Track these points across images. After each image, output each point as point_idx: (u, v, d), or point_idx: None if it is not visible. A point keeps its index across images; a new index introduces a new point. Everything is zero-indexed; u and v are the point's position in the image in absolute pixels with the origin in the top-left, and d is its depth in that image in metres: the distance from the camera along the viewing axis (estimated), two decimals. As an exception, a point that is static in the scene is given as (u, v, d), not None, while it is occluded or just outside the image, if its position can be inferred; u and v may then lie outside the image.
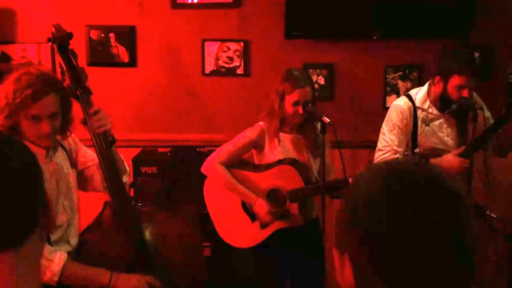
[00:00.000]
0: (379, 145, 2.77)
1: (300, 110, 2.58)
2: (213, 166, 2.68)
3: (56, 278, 1.95)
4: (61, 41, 2.09)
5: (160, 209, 2.50)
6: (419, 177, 0.81)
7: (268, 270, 2.74)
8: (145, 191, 3.30)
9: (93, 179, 2.27)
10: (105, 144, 2.08)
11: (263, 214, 2.61)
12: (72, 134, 2.23)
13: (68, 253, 2.10)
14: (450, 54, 2.74)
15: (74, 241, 2.16)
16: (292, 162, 2.62)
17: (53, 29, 2.09)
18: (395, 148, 2.70)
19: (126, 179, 2.31)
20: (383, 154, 2.72)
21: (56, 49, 2.10)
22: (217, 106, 3.80)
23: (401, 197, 0.79)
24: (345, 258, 0.84)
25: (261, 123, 2.71)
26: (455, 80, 2.61)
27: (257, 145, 2.71)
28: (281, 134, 2.68)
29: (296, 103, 2.58)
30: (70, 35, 2.10)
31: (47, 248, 1.97)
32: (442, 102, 2.73)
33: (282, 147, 2.67)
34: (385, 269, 0.79)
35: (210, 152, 3.50)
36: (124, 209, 2.12)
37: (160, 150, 3.62)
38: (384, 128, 2.78)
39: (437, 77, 2.70)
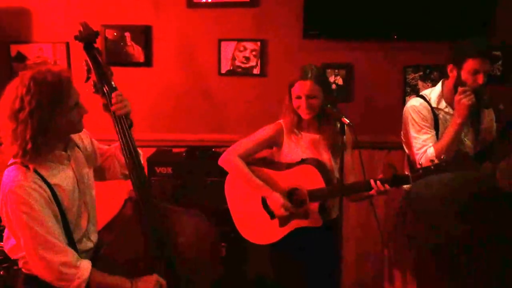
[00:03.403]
0: (417, 146, 2.66)
1: (303, 105, 2.53)
2: (230, 158, 2.67)
3: (83, 286, 1.96)
4: (88, 39, 2.15)
5: (179, 207, 2.49)
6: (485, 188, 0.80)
7: (284, 267, 2.71)
8: (159, 191, 3.27)
9: (112, 168, 2.30)
10: (126, 127, 2.14)
11: (278, 208, 2.57)
12: (85, 130, 2.23)
13: (90, 250, 2.13)
14: (463, 41, 2.65)
15: (94, 237, 2.18)
16: (314, 163, 2.58)
17: (80, 27, 2.15)
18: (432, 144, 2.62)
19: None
20: (423, 153, 2.62)
21: (83, 47, 2.16)
22: (233, 107, 3.76)
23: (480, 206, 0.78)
24: (408, 275, 0.82)
25: (281, 120, 2.69)
26: (469, 64, 2.53)
27: (275, 142, 2.68)
28: (301, 133, 2.65)
29: (298, 97, 2.54)
30: (96, 34, 2.17)
31: (73, 255, 1.97)
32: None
33: (301, 146, 2.64)
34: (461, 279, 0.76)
35: (225, 152, 3.49)
36: (144, 194, 2.16)
37: (175, 150, 3.60)
38: (412, 132, 2.68)
39: (450, 66, 2.62)
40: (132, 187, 2.18)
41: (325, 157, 2.64)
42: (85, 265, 1.97)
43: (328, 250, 2.64)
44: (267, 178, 2.65)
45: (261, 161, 2.75)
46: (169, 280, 2.14)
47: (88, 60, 2.15)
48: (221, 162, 2.71)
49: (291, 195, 2.64)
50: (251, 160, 2.71)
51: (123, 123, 2.14)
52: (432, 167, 2.34)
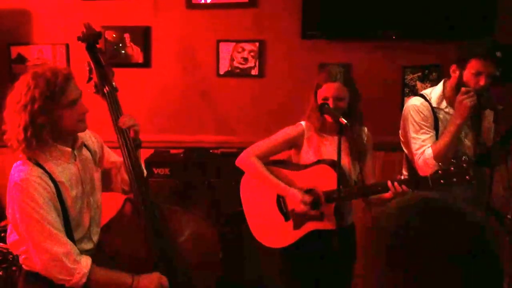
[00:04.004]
0: (416, 146, 2.64)
1: (330, 106, 2.48)
2: (247, 159, 2.63)
3: (84, 280, 1.97)
4: (90, 40, 2.18)
5: (179, 208, 2.49)
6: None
7: (293, 272, 2.67)
8: (157, 192, 3.27)
9: (114, 181, 2.30)
10: (132, 144, 2.15)
11: (297, 204, 2.51)
12: (97, 135, 2.29)
13: (90, 250, 2.13)
14: (470, 41, 2.61)
15: (95, 238, 2.18)
16: (331, 163, 2.53)
17: (84, 28, 2.17)
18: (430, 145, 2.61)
19: None
20: (421, 154, 2.60)
21: (85, 48, 2.19)
22: (231, 107, 3.77)
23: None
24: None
25: (302, 122, 2.64)
26: (472, 65, 2.49)
27: (295, 144, 2.64)
28: (324, 135, 2.60)
29: (325, 98, 2.49)
30: (99, 34, 2.20)
31: (75, 249, 1.99)
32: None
33: (322, 148, 2.59)
34: None
35: (223, 153, 3.49)
36: (145, 208, 2.17)
37: (173, 151, 3.60)
38: (411, 132, 2.65)
39: (454, 66, 2.59)
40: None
41: (345, 160, 2.58)
42: (86, 261, 1.99)
43: (342, 254, 2.55)
44: (283, 178, 2.60)
45: (277, 162, 2.71)
46: (168, 280, 2.14)
47: (90, 61, 2.18)
48: (238, 162, 2.66)
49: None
50: (268, 161, 2.67)
51: (128, 139, 2.16)
52: (452, 168, 2.30)
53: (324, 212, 2.53)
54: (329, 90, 2.47)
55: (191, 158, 3.46)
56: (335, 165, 2.50)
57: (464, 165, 2.29)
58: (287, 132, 2.63)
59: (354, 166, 2.60)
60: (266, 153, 2.63)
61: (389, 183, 2.38)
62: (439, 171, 2.33)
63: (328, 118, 2.52)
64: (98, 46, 2.21)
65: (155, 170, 3.34)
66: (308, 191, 2.57)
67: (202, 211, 3.23)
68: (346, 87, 2.50)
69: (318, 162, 2.56)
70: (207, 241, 2.35)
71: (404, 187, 2.35)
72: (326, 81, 2.48)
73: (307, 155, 2.61)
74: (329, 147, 2.58)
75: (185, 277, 2.19)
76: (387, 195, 2.42)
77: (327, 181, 2.49)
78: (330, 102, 2.48)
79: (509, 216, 2.52)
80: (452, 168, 2.30)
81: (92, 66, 2.16)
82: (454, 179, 2.29)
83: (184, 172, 3.37)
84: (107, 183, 2.32)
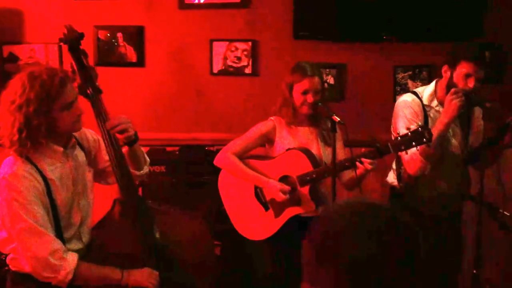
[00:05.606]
0: None
1: (309, 99, 2.62)
2: (225, 156, 2.75)
3: (70, 276, 1.95)
4: (72, 41, 2.15)
5: (171, 207, 2.50)
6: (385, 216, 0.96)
7: (282, 259, 2.74)
8: (153, 190, 3.29)
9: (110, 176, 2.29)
10: (116, 144, 2.13)
11: (277, 193, 2.61)
12: (93, 133, 2.27)
13: (80, 250, 2.10)
14: (460, 44, 2.70)
15: (86, 239, 2.17)
16: (300, 148, 2.66)
17: (65, 29, 2.15)
18: None
19: (146, 169, 2.37)
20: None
21: (68, 49, 2.16)
22: (225, 105, 3.80)
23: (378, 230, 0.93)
24: None
25: (272, 117, 2.76)
26: (462, 67, 2.56)
27: (268, 139, 2.76)
28: (292, 127, 2.72)
29: (305, 92, 2.62)
30: (81, 36, 2.16)
31: (62, 246, 1.98)
32: None
33: (294, 139, 2.71)
34: None
35: (218, 151, 3.51)
36: (134, 207, 2.14)
37: (168, 149, 3.62)
38: (401, 127, 2.67)
39: (445, 66, 2.66)
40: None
41: (316, 148, 2.72)
42: (72, 257, 1.98)
43: None
44: (258, 170, 2.72)
45: (251, 156, 2.80)
46: (166, 279, 2.13)
47: (73, 62, 2.15)
48: (216, 162, 2.78)
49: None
50: (244, 157, 2.77)
51: (112, 139, 2.13)
52: (409, 133, 2.37)
53: (300, 196, 2.64)
54: (309, 84, 2.62)
55: (187, 155, 3.48)
56: (304, 150, 2.66)
57: (419, 129, 2.36)
58: (260, 128, 2.76)
59: (325, 151, 2.72)
60: (242, 150, 2.75)
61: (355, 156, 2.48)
62: (398, 138, 2.41)
63: (303, 110, 2.64)
64: (81, 47, 2.18)
65: (151, 168, 3.30)
66: (283, 178, 2.68)
67: (198, 208, 3.25)
68: (321, 81, 2.67)
69: (288, 149, 2.68)
70: (201, 239, 2.35)
71: (369, 159, 2.44)
72: (305, 76, 2.62)
73: (280, 148, 2.72)
74: (300, 138, 2.72)
75: (182, 275, 2.19)
76: (359, 171, 2.49)
77: (299, 165, 2.62)
78: (310, 96, 2.61)
79: (501, 210, 2.59)
80: (409, 134, 2.38)
81: (75, 67, 2.14)
82: (413, 143, 2.37)
83: (180, 169, 3.39)
84: (106, 179, 2.31)
